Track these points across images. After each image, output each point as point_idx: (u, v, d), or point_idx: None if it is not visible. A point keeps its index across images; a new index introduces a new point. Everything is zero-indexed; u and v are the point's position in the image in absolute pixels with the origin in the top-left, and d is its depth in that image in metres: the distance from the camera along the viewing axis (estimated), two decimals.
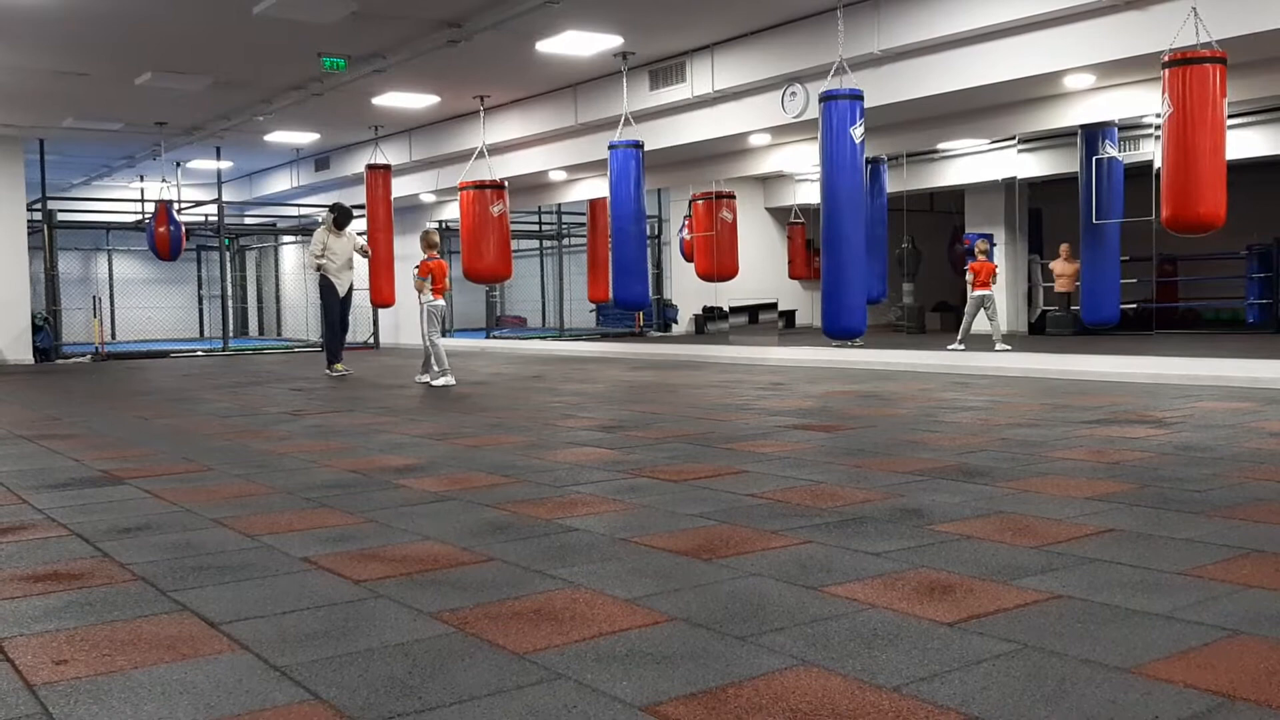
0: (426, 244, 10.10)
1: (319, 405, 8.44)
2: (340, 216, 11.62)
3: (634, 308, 12.99)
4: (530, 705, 2.05)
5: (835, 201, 9.45)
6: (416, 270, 10.15)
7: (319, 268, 11.51)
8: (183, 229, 17.40)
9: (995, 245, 15.93)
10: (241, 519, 3.90)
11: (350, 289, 11.81)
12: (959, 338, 12.01)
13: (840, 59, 9.34)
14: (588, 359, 14.35)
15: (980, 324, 12.39)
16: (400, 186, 16.37)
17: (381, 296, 15.37)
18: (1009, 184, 14.64)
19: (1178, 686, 2.08)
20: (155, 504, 4.25)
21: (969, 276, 12.47)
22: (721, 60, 11.19)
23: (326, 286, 11.61)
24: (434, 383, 9.77)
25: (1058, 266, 14.64)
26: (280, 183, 19.98)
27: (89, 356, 16.42)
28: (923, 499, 3.98)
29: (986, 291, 12.28)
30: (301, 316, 21.80)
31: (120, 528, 3.79)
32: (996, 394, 7.98)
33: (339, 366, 11.68)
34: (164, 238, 17.03)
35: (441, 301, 10.15)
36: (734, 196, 16.27)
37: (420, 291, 10.03)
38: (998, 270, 12.80)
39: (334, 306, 11.70)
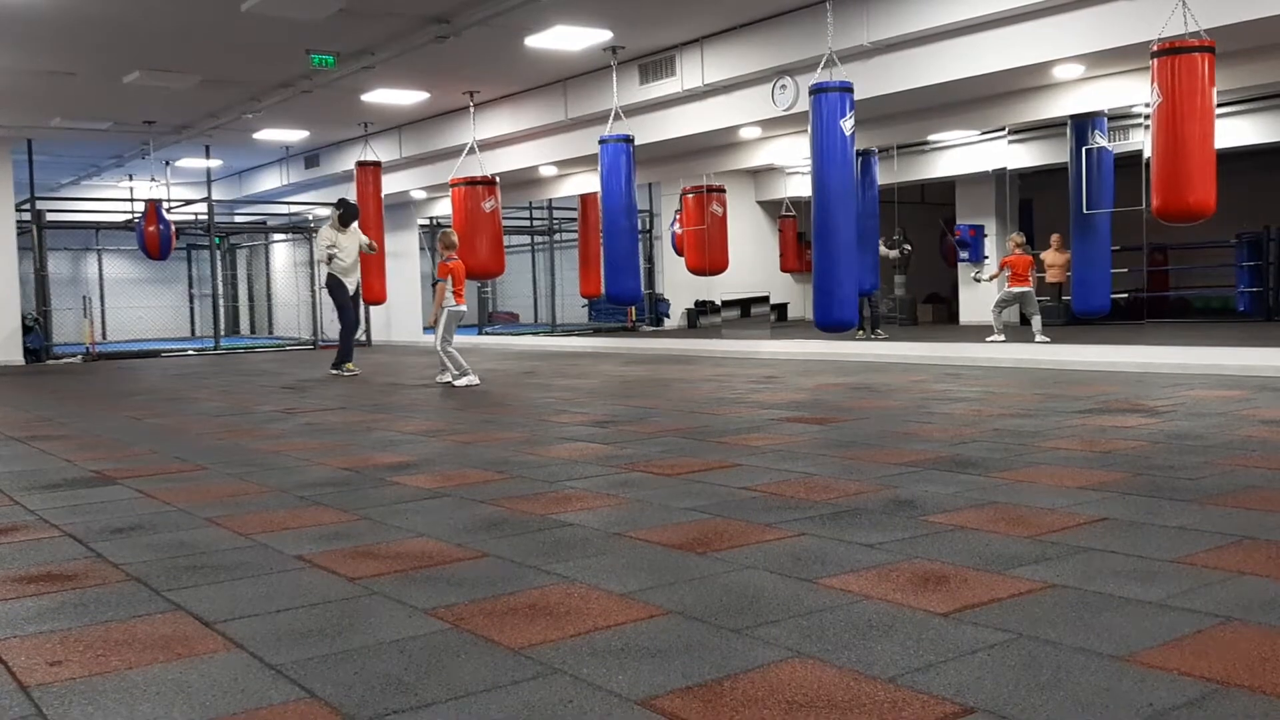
0: (445, 244, 9.65)
1: (311, 403, 8.42)
2: (346, 213, 11.38)
3: (626, 302, 12.98)
4: (526, 700, 2.05)
5: (826, 194, 9.44)
6: (437, 274, 9.57)
7: (329, 259, 11.15)
8: (172, 228, 17.32)
9: (987, 236, 15.94)
10: (235, 518, 3.89)
11: (358, 287, 11.57)
12: (996, 329, 11.90)
13: (830, 51, 9.34)
14: (580, 354, 14.35)
15: (984, 314, 12.34)
16: (390, 183, 16.32)
17: (373, 294, 15.31)
18: (999, 175, 14.64)
19: (1171, 674, 2.08)
20: (148, 504, 4.24)
21: (1004, 271, 12.40)
22: (711, 53, 11.17)
23: (336, 285, 11.29)
24: (456, 383, 9.35)
25: (1049, 257, 14.65)
26: (270, 180, 19.92)
27: (80, 357, 16.36)
28: (916, 490, 3.99)
29: (1027, 288, 12.17)
30: (293, 315, 21.75)
31: (113, 528, 3.78)
32: (988, 385, 8.00)
33: (349, 366, 11.45)
34: (154, 237, 16.96)
35: (464, 306, 9.64)
36: (724, 190, 16.25)
37: (442, 296, 9.48)
38: (1034, 263, 12.68)
39: (348, 305, 11.44)
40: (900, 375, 9.06)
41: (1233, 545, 3.04)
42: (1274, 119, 12.72)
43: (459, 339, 9.87)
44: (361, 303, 11.81)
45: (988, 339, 11.39)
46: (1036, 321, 12.03)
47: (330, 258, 11.17)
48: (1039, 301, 12.39)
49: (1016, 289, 12.20)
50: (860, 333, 13.04)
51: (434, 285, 9.76)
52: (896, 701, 1.99)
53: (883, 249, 14.17)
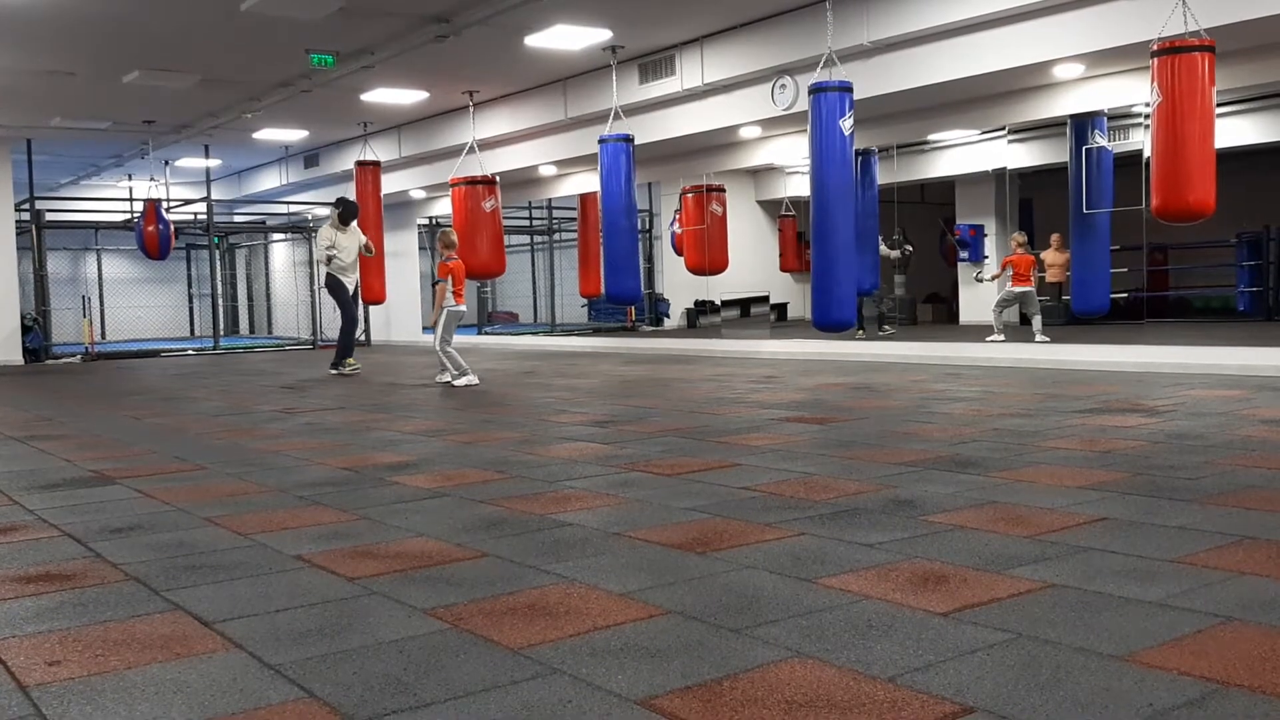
0: (445, 244, 9.68)
1: (311, 403, 8.42)
2: (346, 211, 11.34)
3: (626, 302, 12.98)
4: (525, 700, 2.05)
5: (825, 194, 9.44)
6: (437, 274, 9.55)
7: (329, 259, 11.10)
8: (172, 228, 17.33)
9: (987, 236, 15.94)
10: (234, 517, 3.89)
11: (357, 286, 11.56)
12: (996, 329, 11.90)
13: (829, 50, 9.33)
14: (580, 354, 14.34)
15: (984, 314, 12.33)
16: (390, 183, 16.32)
17: (373, 294, 15.29)
18: (999, 174, 14.64)
19: (1171, 674, 2.08)
20: (147, 503, 4.24)
21: (1006, 271, 12.40)
22: (711, 53, 11.17)
23: (336, 284, 11.26)
24: (455, 383, 9.33)
25: (1048, 256, 14.65)
26: (269, 180, 19.92)
27: (79, 357, 16.36)
28: (915, 490, 3.98)
29: (1029, 287, 12.15)
30: (292, 315, 21.75)
31: (112, 528, 3.78)
32: (988, 385, 8.00)
33: (350, 362, 11.39)
34: (153, 237, 16.96)
35: (464, 306, 9.64)
36: (724, 190, 16.26)
37: (442, 296, 9.49)
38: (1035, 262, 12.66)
39: (349, 302, 11.40)
40: (900, 375, 9.06)
41: (1233, 545, 3.04)
42: (1274, 119, 12.72)
43: (458, 339, 9.88)
44: (360, 302, 11.78)
45: (988, 339, 11.39)
46: (1037, 321, 12.03)
47: (330, 258, 11.15)
48: (1039, 301, 12.39)
49: (1018, 289, 12.21)
50: (860, 332, 13.04)
51: (434, 285, 9.76)
52: (896, 701, 1.99)
53: (883, 249, 14.22)
